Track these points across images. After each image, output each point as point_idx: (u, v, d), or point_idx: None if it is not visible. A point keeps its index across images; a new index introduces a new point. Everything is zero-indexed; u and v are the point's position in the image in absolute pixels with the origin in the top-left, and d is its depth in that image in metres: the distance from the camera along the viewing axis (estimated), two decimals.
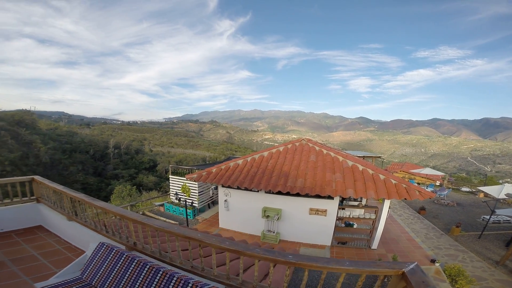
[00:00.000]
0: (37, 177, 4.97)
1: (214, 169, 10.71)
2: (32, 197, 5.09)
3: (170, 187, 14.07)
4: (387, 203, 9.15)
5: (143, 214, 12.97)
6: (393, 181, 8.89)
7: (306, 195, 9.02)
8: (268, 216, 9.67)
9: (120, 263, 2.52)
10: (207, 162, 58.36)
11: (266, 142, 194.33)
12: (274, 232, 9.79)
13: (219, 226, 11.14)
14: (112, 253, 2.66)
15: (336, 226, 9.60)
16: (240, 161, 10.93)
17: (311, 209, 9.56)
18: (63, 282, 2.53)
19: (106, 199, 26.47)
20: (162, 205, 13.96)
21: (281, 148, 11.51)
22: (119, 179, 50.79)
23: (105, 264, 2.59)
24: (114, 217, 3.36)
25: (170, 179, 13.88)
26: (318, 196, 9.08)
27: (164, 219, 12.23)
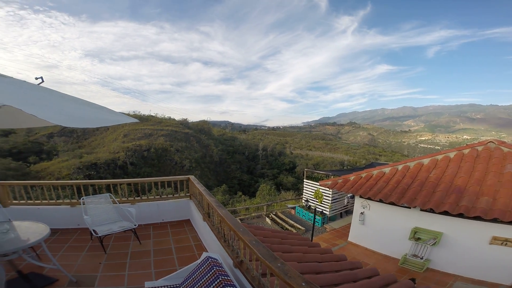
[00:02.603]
0: (191, 177, 5.60)
1: (352, 177, 9.22)
2: (187, 194, 5.85)
3: (304, 191, 13.83)
4: None
5: (276, 214, 13.40)
6: None
7: (494, 220, 6.00)
8: (419, 239, 7.41)
9: (212, 286, 2.17)
10: (344, 167, 55.05)
11: (422, 145, 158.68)
12: (421, 258, 7.36)
13: (348, 239, 9.59)
14: (211, 272, 2.35)
15: None
16: (387, 169, 8.80)
17: (494, 238, 6.34)
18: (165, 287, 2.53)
19: (254, 194, 30.36)
20: (294, 208, 13.93)
21: (451, 154, 8.29)
22: (264, 178, 57.53)
23: (201, 281, 2.31)
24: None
25: (304, 182, 13.62)
26: None
27: (293, 222, 12.08)
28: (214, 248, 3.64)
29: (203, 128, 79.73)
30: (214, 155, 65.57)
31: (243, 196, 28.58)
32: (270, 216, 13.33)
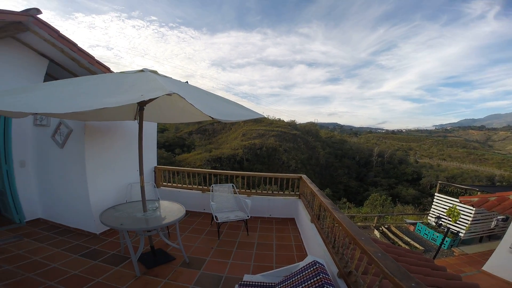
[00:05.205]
0: (303, 176, 5.58)
1: None
2: (296, 193, 5.87)
3: (433, 206, 11.40)
4: None
5: (388, 228, 11.64)
6: None
7: None
8: None
9: None
10: (497, 184, 41.53)
11: None
12: None
13: (482, 267, 7.06)
14: (316, 278, 2.22)
15: None
16: None
17: None
18: (261, 284, 2.56)
19: (361, 203, 27.61)
20: (414, 223, 11.69)
21: None
22: (377, 187, 51.14)
23: (302, 286, 2.22)
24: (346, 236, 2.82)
25: (435, 197, 11.30)
26: None
27: (409, 240, 10.28)
28: (316, 252, 3.48)
29: (310, 130, 79.36)
30: (320, 158, 64.09)
31: (348, 203, 26.49)
32: (380, 228, 11.79)
